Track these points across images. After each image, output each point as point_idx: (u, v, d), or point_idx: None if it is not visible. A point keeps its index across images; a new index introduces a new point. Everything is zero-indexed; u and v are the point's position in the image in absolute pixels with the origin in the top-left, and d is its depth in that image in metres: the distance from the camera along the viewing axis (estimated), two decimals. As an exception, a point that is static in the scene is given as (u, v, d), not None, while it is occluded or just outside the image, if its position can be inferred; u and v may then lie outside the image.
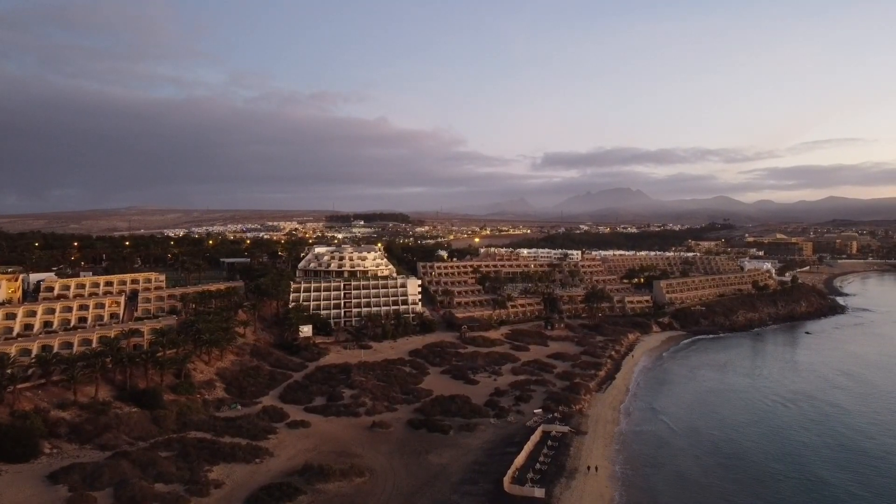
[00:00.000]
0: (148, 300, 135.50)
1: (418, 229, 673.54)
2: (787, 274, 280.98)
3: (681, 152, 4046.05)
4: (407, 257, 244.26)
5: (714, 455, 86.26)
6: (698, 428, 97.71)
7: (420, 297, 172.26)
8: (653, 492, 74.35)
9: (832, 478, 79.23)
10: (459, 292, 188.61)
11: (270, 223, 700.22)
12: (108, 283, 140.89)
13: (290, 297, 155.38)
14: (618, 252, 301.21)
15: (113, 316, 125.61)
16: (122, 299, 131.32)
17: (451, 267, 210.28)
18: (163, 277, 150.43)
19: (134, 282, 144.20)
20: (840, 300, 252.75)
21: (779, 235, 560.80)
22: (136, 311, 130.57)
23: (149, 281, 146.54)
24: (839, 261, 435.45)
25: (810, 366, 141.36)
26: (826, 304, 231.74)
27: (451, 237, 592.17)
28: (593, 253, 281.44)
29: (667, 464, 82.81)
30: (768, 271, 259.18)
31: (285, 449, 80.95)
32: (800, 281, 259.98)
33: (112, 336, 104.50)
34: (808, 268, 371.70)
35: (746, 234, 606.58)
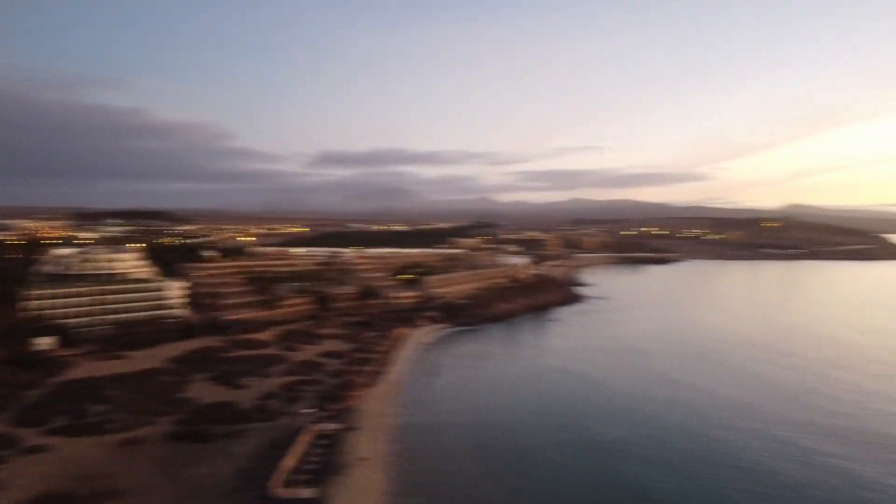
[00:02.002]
0: None
1: (184, 228, 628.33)
2: (536, 268, 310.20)
3: (448, 154, 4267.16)
4: (170, 258, 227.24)
5: (481, 437, 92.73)
6: (466, 413, 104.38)
7: (184, 300, 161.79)
8: (424, 479, 77.85)
9: (595, 435, 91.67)
10: (228, 294, 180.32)
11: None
12: None
13: (29, 305, 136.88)
14: (389, 250, 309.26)
15: None
16: None
17: (220, 267, 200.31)
18: None
19: None
20: (580, 290, 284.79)
21: (531, 233, 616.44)
22: None
23: None
24: (580, 255, 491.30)
25: (557, 347, 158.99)
26: (569, 294, 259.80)
27: (221, 236, 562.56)
28: (366, 251, 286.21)
29: (437, 450, 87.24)
30: (521, 266, 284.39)
31: (19, 479, 71.47)
32: (548, 274, 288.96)
33: None
34: (554, 262, 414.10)
35: (504, 232, 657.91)
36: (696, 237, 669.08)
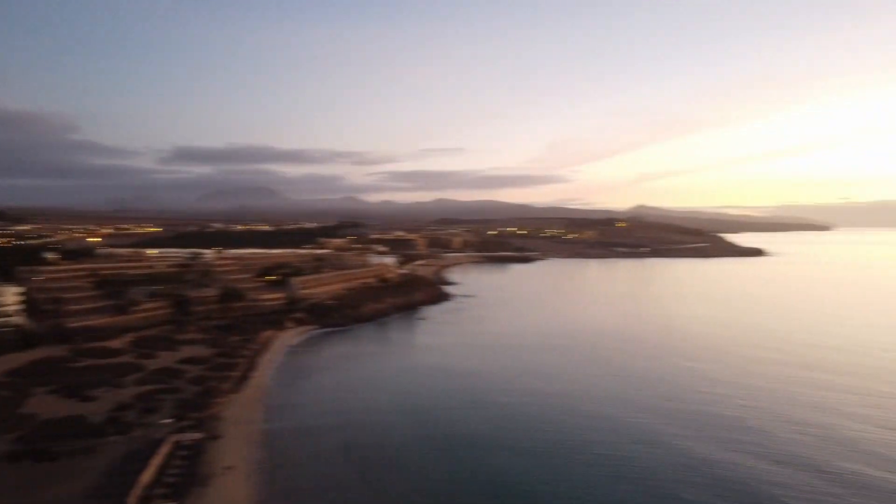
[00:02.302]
0: None
1: (18, 228, 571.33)
2: (405, 267, 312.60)
3: (313, 153, 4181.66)
4: (3, 261, 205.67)
5: (351, 439, 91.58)
6: (335, 415, 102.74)
7: (20, 307, 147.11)
8: (293, 485, 75.90)
9: (464, 430, 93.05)
10: (73, 299, 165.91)
11: None
12: None
13: None
14: (252, 250, 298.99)
15: None
16: None
17: (62, 270, 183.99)
18: None
19: None
20: (448, 289, 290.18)
21: (399, 233, 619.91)
22: None
23: None
24: (447, 254, 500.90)
25: (427, 346, 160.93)
26: (437, 293, 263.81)
27: (63, 236, 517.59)
28: (227, 252, 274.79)
29: (306, 455, 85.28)
30: (390, 265, 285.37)
31: None
32: (416, 273, 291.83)
33: None
34: (422, 261, 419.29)
35: (372, 232, 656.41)
36: (555, 236, 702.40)
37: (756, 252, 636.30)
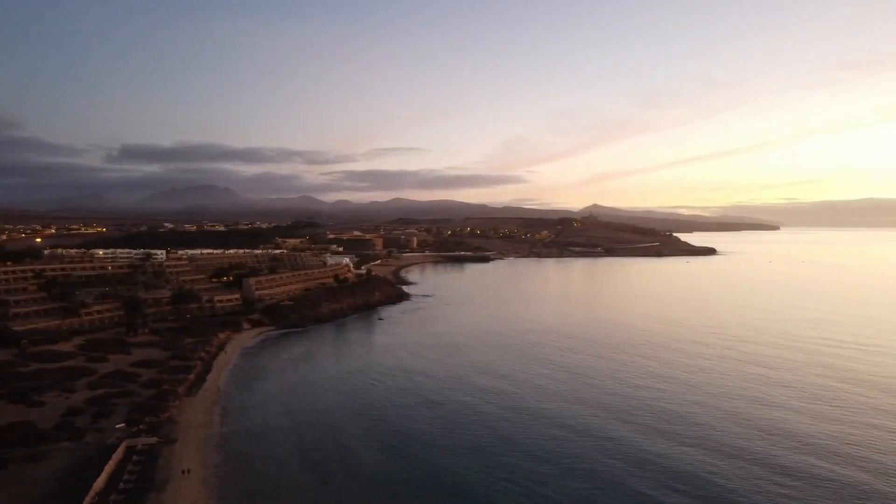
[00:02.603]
0: None
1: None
2: (363, 267, 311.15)
3: (268, 152, 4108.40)
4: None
5: (307, 440, 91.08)
6: (292, 416, 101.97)
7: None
8: (250, 488, 75.06)
9: (417, 428, 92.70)
10: (17, 301, 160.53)
11: None
12: None
13: None
14: (206, 250, 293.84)
15: None
16: None
17: (5, 272, 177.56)
18: None
19: None
20: (406, 288, 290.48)
21: (356, 233, 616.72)
22: None
23: None
24: (404, 254, 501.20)
25: (385, 346, 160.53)
26: (395, 293, 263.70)
27: (4, 237, 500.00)
28: (179, 252, 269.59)
29: (264, 458, 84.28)
30: (347, 265, 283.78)
31: None
32: (374, 273, 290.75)
33: None
34: (379, 261, 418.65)
35: (328, 232, 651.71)
36: (512, 236, 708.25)
37: (708, 251, 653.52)
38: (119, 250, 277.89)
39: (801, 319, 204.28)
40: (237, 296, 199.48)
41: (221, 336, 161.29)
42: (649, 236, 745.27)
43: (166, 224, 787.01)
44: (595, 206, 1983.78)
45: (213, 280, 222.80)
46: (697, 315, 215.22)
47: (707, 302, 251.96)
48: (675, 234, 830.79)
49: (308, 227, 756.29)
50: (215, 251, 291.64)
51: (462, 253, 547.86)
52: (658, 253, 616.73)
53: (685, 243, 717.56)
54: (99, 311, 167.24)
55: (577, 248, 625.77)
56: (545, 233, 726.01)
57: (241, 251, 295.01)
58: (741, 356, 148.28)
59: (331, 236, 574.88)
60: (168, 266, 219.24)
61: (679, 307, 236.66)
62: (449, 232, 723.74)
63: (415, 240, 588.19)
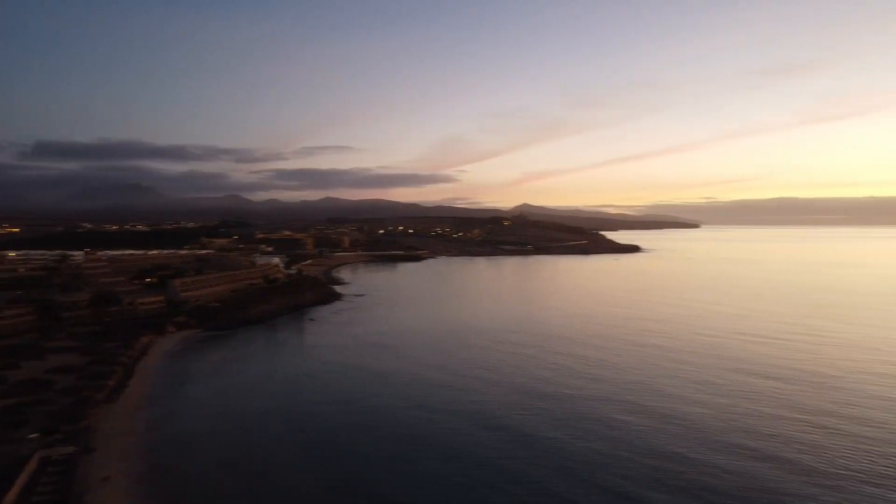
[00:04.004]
0: None
1: None
2: (293, 267, 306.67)
3: (194, 149, 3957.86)
4: None
5: (235, 447, 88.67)
6: (221, 423, 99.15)
7: None
8: (174, 496, 72.74)
9: (352, 436, 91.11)
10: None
11: None
12: None
13: None
14: (128, 251, 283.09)
15: None
16: None
17: None
18: None
19: None
20: (338, 288, 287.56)
21: (286, 232, 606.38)
22: None
23: None
24: (335, 253, 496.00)
25: (316, 347, 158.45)
26: (327, 293, 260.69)
27: None
28: (99, 253, 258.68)
29: (189, 465, 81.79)
30: (277, 265, 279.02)
31: None
32: (305, 273, 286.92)
33: None
34: (310, 261, 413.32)
35: (258, 232, 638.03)
36: (444, 235, 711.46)
37: (633, 249, 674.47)
38: (32, 252, 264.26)
39: (717, 313, 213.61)
40: (161, 298, 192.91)
41: (144, 340, 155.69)
42: (577, 235, 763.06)
43: (85, 224, 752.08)
44: (525, 205, 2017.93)
45: (136, 282, 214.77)
46: (623, 310, 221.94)
47: (630, 298, 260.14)
48: (601, 233, 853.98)
49: (236, 226, 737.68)
50: (138, 252, 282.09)
51: (394, 252, 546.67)
52: (585, 251, 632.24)
53: (611, 241, 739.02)
54: (11, 316, 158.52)
55: (508, 247, 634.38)
56: (477, 232, 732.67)
57: (166, 252, 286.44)
58: (662, 352, 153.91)
59: (260, 236, 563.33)
60: (86, 268, 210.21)
61: (604, 303, 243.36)
62: (381, 231, 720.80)
63: (347, 239, 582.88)
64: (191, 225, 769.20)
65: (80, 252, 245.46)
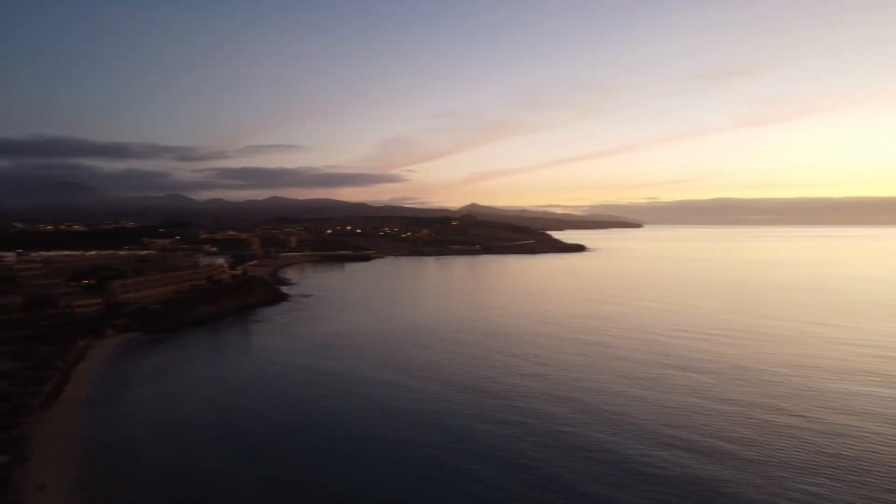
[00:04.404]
0: None
1: None
2: (239, 268, 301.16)
3: (134, 147, 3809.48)
4: None
5: (175, 453, 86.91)
6: (162, 428, 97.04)
7: None
8: (114, 503, 71.24)
9: (296, 437, 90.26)
10: None
11: None
12: None
13: None
14: (64, 252, 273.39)
15: None
16: None
17: None
18: None
19: None
20: (285, 289, 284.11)
21: (231, 232, 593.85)
22: None
23: None
24: (283, 254, 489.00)
25: (261, 349, 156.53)
26: (274, 293, 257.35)
27: None
28: (33, 254, 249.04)
29: (129, 471, 79.89)
30: (222, 266, 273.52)
31: None
32: (251, 274, 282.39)
33: None
34: (257, 261, 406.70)
35: (202, 232, 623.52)
36: (392, 235, 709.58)
37: (578, 248, 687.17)
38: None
39: (658, 311, 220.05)
40: (100, 300, 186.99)
41: (82, 343, 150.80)
42: (525, 234, 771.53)
43: (17, 224, 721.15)
44: (473, 205, 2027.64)
45: (73, 284, 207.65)
46: (567, 308, 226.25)
47: (575, 297, 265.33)
48: (548, 233, 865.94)
49: (179, 226, 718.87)
50: (74, 253, 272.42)
51: (342, 252, 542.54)
52: (533, 250, 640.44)
53: (557, 241, 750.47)
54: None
55: (457, 247, 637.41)
56: (425, 231, 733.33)
57: (105, 252, 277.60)
58: (607, 351, 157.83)
59: (204, 236, 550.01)
60: (19, 269, 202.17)
61: (549, 302, 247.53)
62: (329, 231, 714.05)
63: (294, 239, 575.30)
64: (131, 225, 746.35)
65: (12, 253, 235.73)
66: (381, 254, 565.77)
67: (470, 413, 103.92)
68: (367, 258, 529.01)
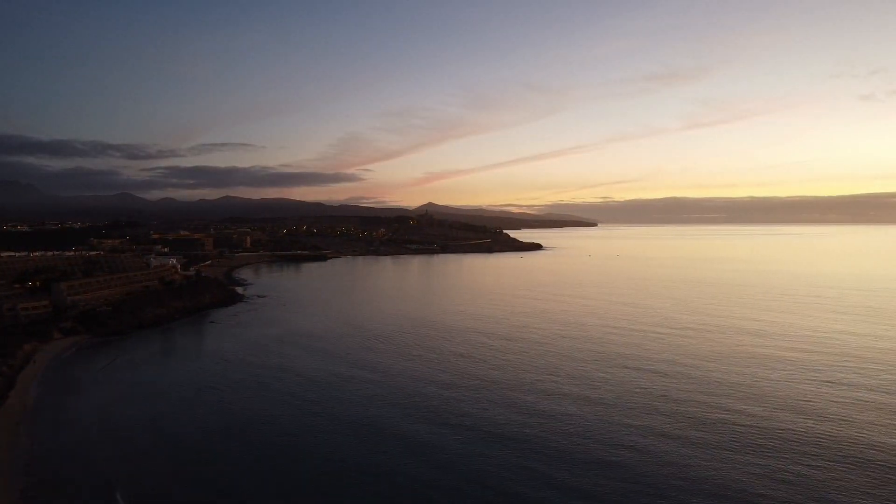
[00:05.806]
0: None
1: None
2: (191, 268, 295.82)
3: (79, 144, 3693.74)
4: None
5: (128, 459, 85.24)
6: (111, 434, 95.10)
7: None
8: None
9: (241, 439, 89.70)
10: None
11: None
12: None
13: None
14: (7, 253, 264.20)
15: None
16: None
17: None
18: None
19: None
20: (239, 289, 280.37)
21: (183, 232, 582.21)
22: None
23: None
24: (237, 254, 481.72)
25: (214, 351, 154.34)
26: (228, 294, 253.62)
27: None
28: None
29: (77, 479, 78.22)
30: (174, 266, 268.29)
31: None
32: (203, 274, 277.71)
33: None
34: (209, 262, 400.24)
35: (152, 232, 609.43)
36: (349, 235, 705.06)
37: (536, 247, 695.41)
38: None
39: (612, 308, 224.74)
40: (46, 302, 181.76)
41: (27, 348, 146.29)
42: (481, 234, 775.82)
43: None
44: (430, 204, 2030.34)
45: (17, 286, 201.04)
46: (520, 307, 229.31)
47: (530, 295, 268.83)
48: (504, 231, 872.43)
49: (129, 226, 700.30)
50: (18, 254, 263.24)
51: (298, 252, 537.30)
52: (489, 249, 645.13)
53: (514, 240, 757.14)
54: None
55: (414, 246, 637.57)
56: (382, 231, 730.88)
57: (50, 253, 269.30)
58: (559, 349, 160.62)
59: (155, 236, 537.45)
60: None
61: (505, 301, 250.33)
62: (284, 231, 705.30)
63: (248, 239, 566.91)
64: (78, 225, 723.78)
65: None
66: (338, 253, 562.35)
67: (416, 416, 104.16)
68: (323, 258, 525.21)
